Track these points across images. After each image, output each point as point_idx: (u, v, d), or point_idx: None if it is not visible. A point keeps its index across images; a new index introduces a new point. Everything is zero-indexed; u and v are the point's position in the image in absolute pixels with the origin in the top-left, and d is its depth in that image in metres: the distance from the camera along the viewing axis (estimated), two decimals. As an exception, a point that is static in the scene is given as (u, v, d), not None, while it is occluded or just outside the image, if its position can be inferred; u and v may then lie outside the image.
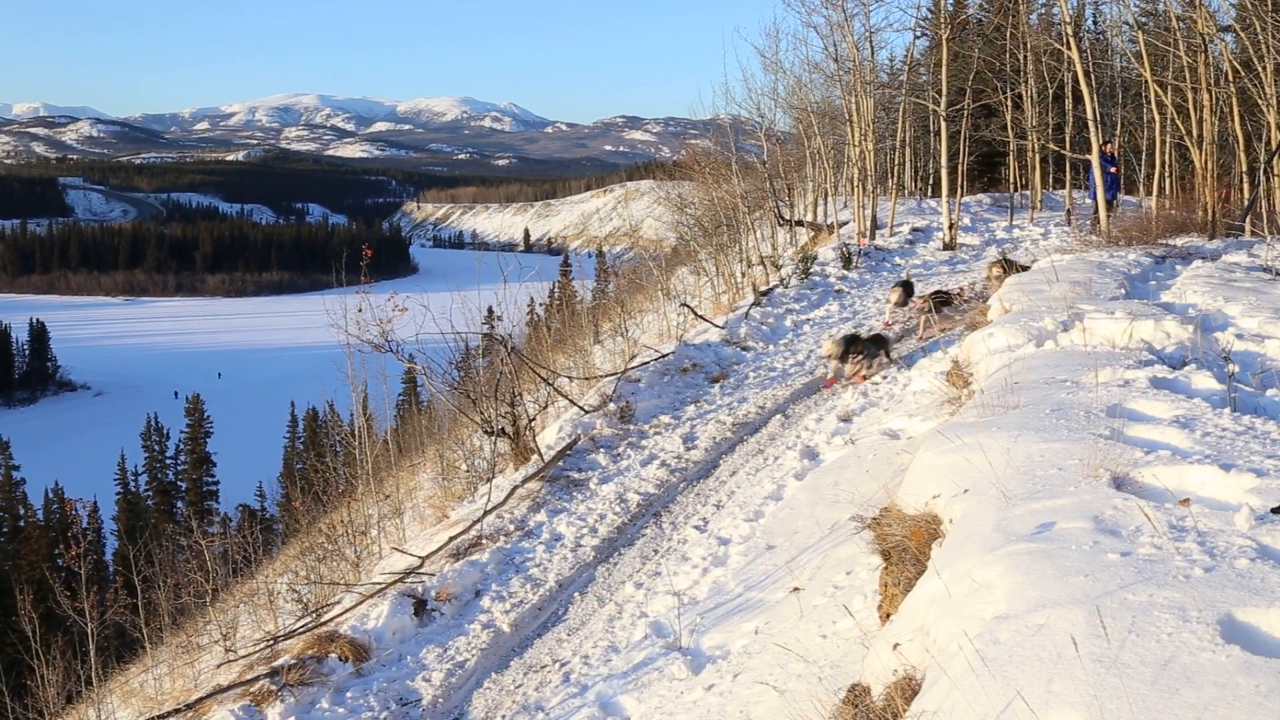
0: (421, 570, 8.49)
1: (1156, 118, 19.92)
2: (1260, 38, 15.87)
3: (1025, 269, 14.55)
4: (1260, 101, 16.48)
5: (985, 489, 4.93)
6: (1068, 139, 24.15)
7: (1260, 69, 16.14)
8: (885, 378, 11.99)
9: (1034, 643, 3.40)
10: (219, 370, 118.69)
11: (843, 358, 11.83)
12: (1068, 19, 19.48)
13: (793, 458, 9.89)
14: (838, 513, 7.63)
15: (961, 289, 14.91)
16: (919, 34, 25.95)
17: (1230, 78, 17.45)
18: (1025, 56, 24.46)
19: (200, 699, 7.27)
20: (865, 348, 11.96)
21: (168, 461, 58.75)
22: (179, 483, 58.04)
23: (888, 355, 12.42)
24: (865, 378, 12.00)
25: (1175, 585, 3.57)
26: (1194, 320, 8.11)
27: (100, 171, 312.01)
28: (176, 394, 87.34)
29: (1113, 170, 18.68)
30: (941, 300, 14.01)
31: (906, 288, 14.75)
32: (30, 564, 36.04)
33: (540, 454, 10.51)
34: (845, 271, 18.30)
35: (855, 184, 22.67)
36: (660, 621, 7.31)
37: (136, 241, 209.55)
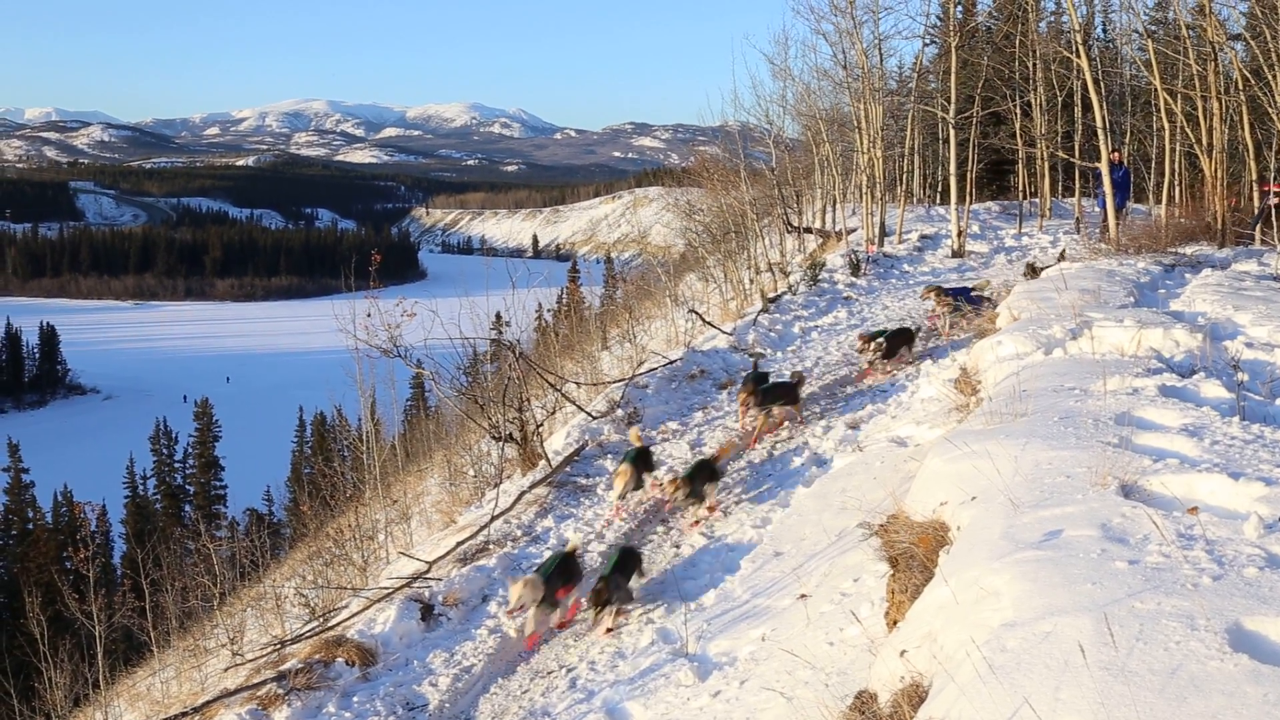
0: (429, 575, 8.49)
1: (1166, 126, 19.90)
2: (1270, 46, 15.84)
3: (791, 386, 11.11)
4: (1270, 110, 16.44)
5: (993, 496, 4.92)
6: (1077, 147, 24.14)
7: (1270, 77, 16.11)
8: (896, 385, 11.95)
9: (1041, 650, 3.40)
10: (228, 374, 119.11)
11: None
12: (1077, 27, 19.49)
13: (800, 464, 9.87)
14: (845, 520, 7.61)
15: (722, 451, 10.02)
16: (928, 41, 26.06)
17: (1240, 86, 17.43)
18: (1034, 64, 24.43)
19: (207, 702, 7.28)
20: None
21: (176, 465, 59.02)
22: (187, 486, 58.29)
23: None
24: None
25: (1183, 593, 3.56)
26: (1203, 329, 8.10)
27: (111, 176, 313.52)
28: (185, 398, 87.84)
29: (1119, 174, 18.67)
30: (706, 475, 9.11)
31: (640, 460, 9.40)
32: (39, 566, 36.19)
33: (548, 459, 10.51)
34: (854, 278, 18.29)
35: (864, 191, 22.69)
36: (667, 628, 7.30)
37: (147, 246, 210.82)
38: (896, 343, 12.42)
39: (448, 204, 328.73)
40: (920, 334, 13.57)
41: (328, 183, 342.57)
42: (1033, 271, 15.04)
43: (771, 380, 11.41)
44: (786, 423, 11.05)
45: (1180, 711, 2.92)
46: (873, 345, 12.28)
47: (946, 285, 14.85)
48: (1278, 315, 8.78)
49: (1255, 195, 17.63)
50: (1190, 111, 18.79)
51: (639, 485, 9.35)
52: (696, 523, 9.01)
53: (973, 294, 14.05)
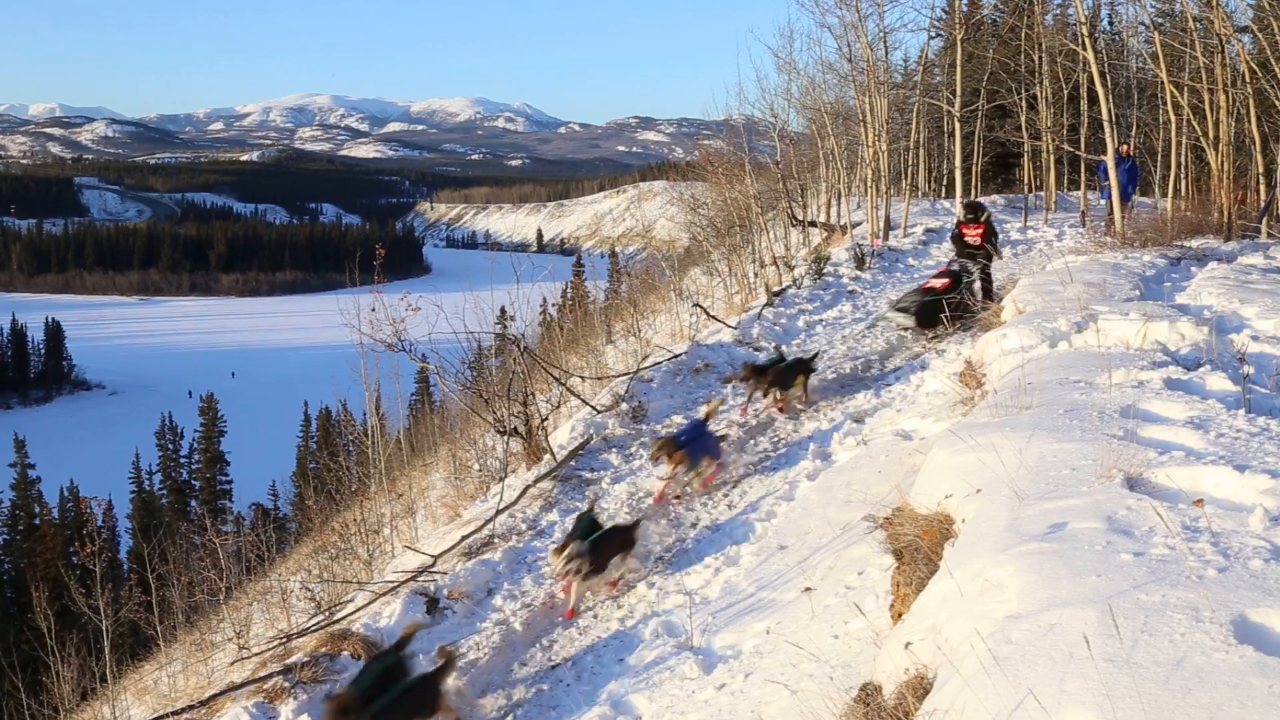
0: (434, 569, 8.50)
1: (1172, 119, 19.81)
2: (1278, 39, 15.78)
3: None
4: (1277, 103, 16.39)
5: (998, 489, 4.92)
6: (1083, 140, 24.07)
7: (1277, 70, 16.04)
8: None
9: (1046, 642, 3.40)
10: (233, 369, 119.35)
11: None
12: (1083, 19, 19.42)
13: (805, 458, 9.88)
14: (850, 513, 7.62)
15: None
16: (933, 34, 25.98)
17: (1247, 79, 17.36)
18: (1040, 57, 24.37)
19: (214, 696, 7.29)
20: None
21: (182, 460, 59.16)
22: (193, 481, 58.45)
23: None
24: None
25: (1188, 585, 3.56)
26: (1209, 322, 8.07)
27: (116, 172, 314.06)
28: (191, 393, 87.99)
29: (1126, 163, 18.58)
30: None
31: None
32: (45, 561, 36.32)
33: (552, 453, 10.51)
34: (858, 272, 18.26)
35: (869, 185, 22.63)
36: (672, 621, 7.31)
37: (151, 241, 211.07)
38: (608, 549, 7.88)
39: (452, 199, 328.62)
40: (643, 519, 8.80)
41: (332, 177, 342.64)
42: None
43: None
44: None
45: (1185, 703, 2.91)
46: (569, 551, 7.58)
47: (675, 432, 9.88)
48: (1284, 308, 8.75)
49: (1262, 188, 17.58)
50: (1197, 104, 18.72)
51: None
52: None
53: (707, 429, 9.78)
